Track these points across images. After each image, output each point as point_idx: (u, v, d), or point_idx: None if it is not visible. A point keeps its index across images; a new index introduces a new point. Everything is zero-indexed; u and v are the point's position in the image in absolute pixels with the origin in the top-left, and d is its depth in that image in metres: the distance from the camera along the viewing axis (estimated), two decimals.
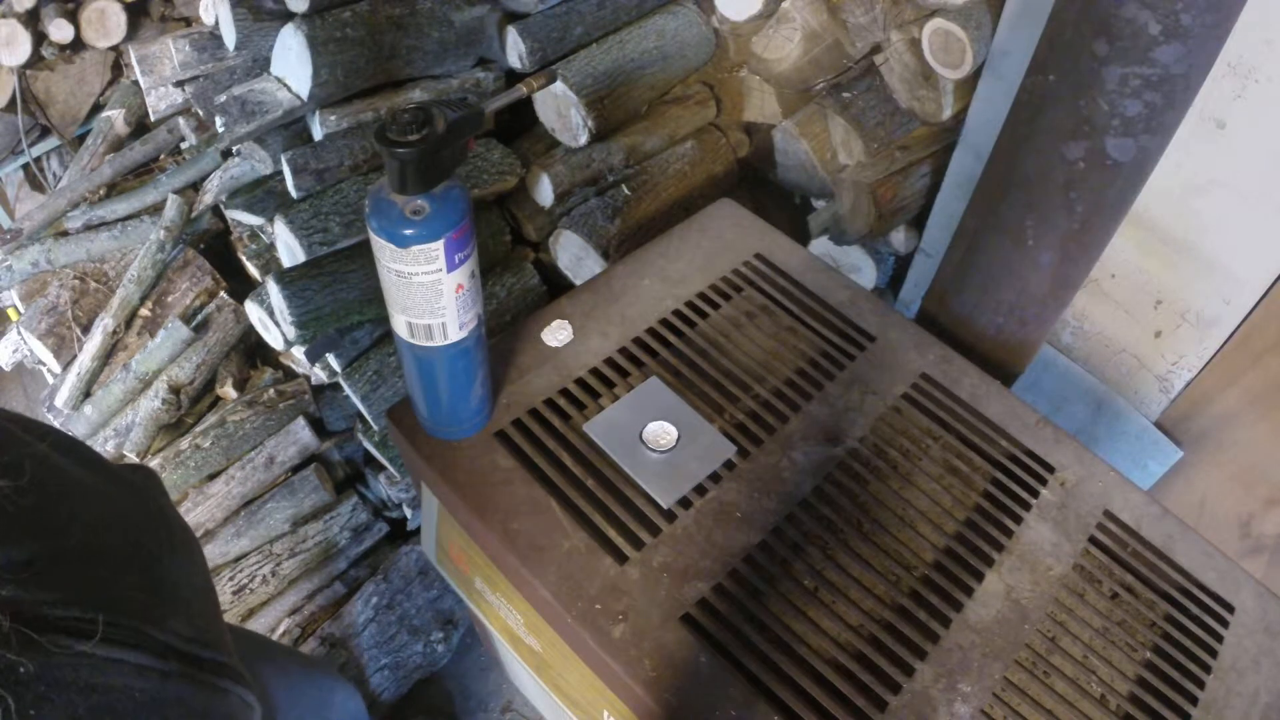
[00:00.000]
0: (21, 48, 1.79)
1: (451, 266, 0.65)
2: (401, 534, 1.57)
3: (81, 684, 0.42)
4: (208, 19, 1.61)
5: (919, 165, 1.42)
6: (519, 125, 1.52)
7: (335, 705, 1.01)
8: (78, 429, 1.52)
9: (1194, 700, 0.74)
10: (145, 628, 0.46)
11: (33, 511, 0.45)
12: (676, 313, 0.94)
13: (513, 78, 1.46)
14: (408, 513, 1.54)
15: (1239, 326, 1.19)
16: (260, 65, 1.39)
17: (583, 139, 1.41)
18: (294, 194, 1.30)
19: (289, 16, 1.28)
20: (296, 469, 1.49)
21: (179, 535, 0.60)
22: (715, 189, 1.56)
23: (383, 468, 1.49)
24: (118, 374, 1.51)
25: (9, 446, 0.49)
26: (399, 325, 0.70)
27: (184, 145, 1.81)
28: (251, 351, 1.62)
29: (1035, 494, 0.84)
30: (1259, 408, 1.23)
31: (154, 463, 1.46)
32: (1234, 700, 0.74)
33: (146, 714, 0.45)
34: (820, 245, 1.56)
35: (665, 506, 0.78)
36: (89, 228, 1.68)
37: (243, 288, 1.55)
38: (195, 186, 1.66)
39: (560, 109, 1.40)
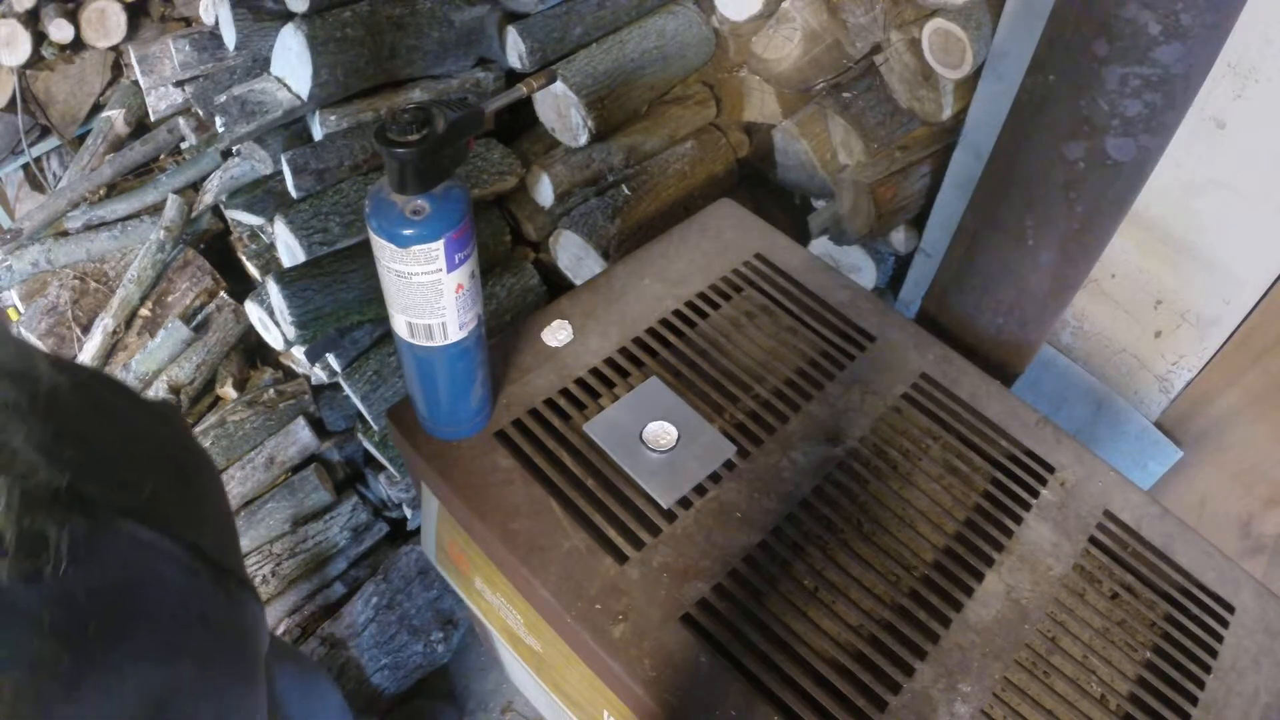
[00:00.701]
0: (21, 48, 1.79)
1: (451, 266, 0.65)
2: (401, 534, 1.57)
3: (120, 557, 0.44)
4: (208, 19, 1.61)
5: (919, 165, 1.42)
6: (519, 125, 1.52)
7: (329, 709, 1.01)
8: None
9: (1194, 700, 0.74)
10: (180, 525, 0.49)
11: (81, 415, 0.47)
12: (676, 313, 0.94)
13: (513, 78, 1.46)
14: (408, 513, 1.54)
15: (1239, 326, 1.19)
16: (260, 65, 1.39)
17: (583, 139, 1.41)
18: (294, 194, 1.30)
19: (289, 16, 1.28)
20: (296, 469, 1.49)
21: (205, 465, 0.62)
22: (715, 189, 1.56)
23: (383, 468, 1.49)
24: (118, 374, 1.51)
25: (61, 356, 0.52)
26: (399, 325, 0.70)
27: (184, 145, 1.81)
28: (251, 351, 1.62)
29: (1035, 494, 0.84)
30: (1259, 408, 1.23)
31: None
32: (1234, 700, 0.74)
33: (173, 602, 0.47)
34: (820, 245, 1.56)
35: (665, 506, 0.78)
36: (89, 228, 1.68)
37: (243, 288, 1.55)
38: (195, 186, 1.66)
39: (560, 109, 1.40)
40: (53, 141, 1.97)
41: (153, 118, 1.79)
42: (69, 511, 0.40)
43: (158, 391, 1.47)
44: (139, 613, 0.44)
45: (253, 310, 1.39)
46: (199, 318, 1.56)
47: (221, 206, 1.52)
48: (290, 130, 1.41)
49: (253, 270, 1.55)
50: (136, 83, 1.82)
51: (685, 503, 0.79)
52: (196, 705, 0.46)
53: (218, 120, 1.35)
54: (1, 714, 0.37)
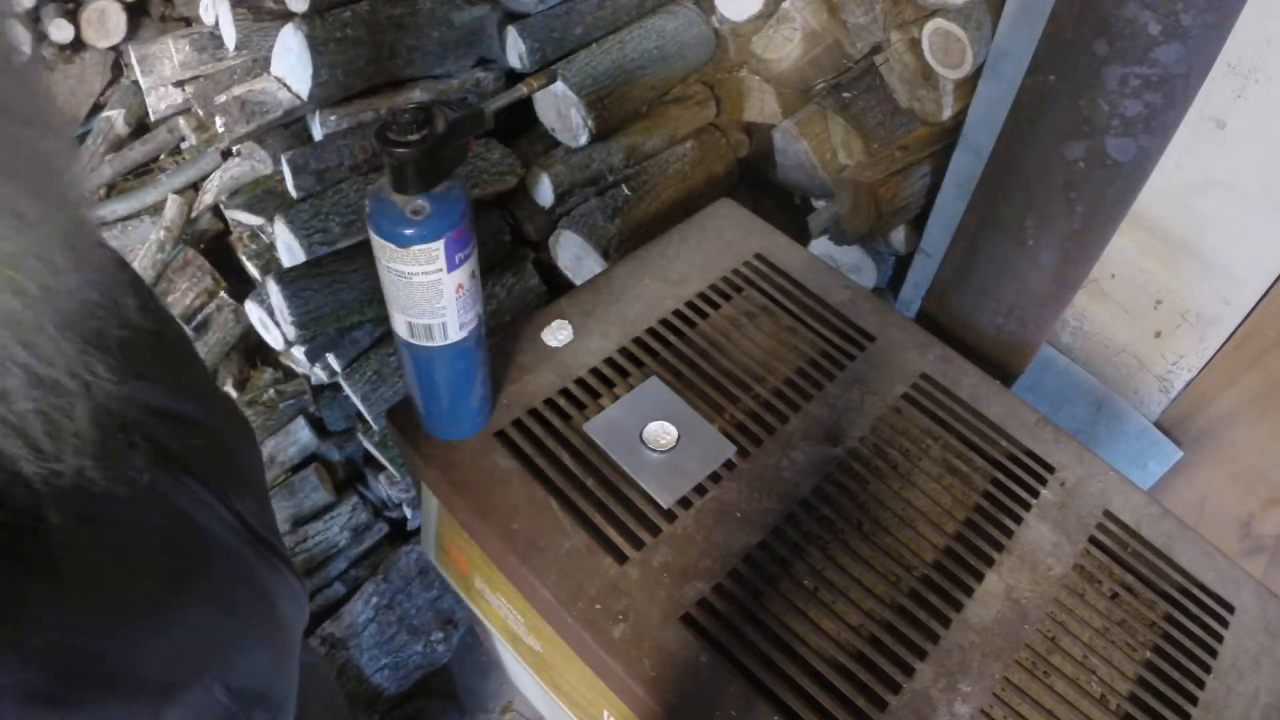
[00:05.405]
0: (21, 48, 1.79)
1: (451, 266, 0.65)
2: (401, 534, 1.57)
3: (185, 507, 0.46)
4: (208, 19, 1.61)
5: (919, 165, 1.42)
6: (519, 125, 1.52)
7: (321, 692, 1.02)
8: None
9: (1194, 700, 0.74)
10: (227, 490, 0.51)
11: (153, 362, 0.48)
12: (676, 313, 0.94)
13: (513, 78, 1.46)
14: (408, 513, 1.54)
15: (1239, 326, 1.19)
16: (260, 65, 1.39)
17: (583, 139, 1.41)
18: (294, 194, 1.30)
19: (289, 16, 1.28)
20: (296, 469, 1.49)
21: (252, 441, 0.63)
22: (715, 189, 1.56)
23: (383, 468, 1.49)
24: None
25: (155, 304, 0.54)
26: (399, 325, 0.70)
27: (184, 145, 1.81)
28: (251, 351, 1.62)
29: (1035, 494, 0.84)
30: (1259, 408, 1.23)
31: None
32: (1234, 700, 0.74)
33: (221, 557, 0.49)
34: (820, 245, 1.56)
35: (665, 506, 0.78)
36: None
37: (243, 288, 1.55)
38: (195, 186, 1.66)
39: (560, 109, 1.40)
40: None
41: (153, 118, 1.78)
42: (135, 450, 0.42)
43: None
44: (196, 560, 0.47)
45: (253, 310, 1.39)
46: (199, 318, 1.56)
47: (221, 206, 1.52)
48: (290, 130, 1.41)
49: (253, 270, 1.55)
50: (136, 83, 1.82)
51: (685, 503, 0.79)
52: (227, 656, 0.47)
53: (218, 120, 1.35)
54: (105, 618, 0.38)
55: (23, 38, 1.77)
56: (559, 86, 1.37)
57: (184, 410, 0.50)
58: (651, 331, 0.92)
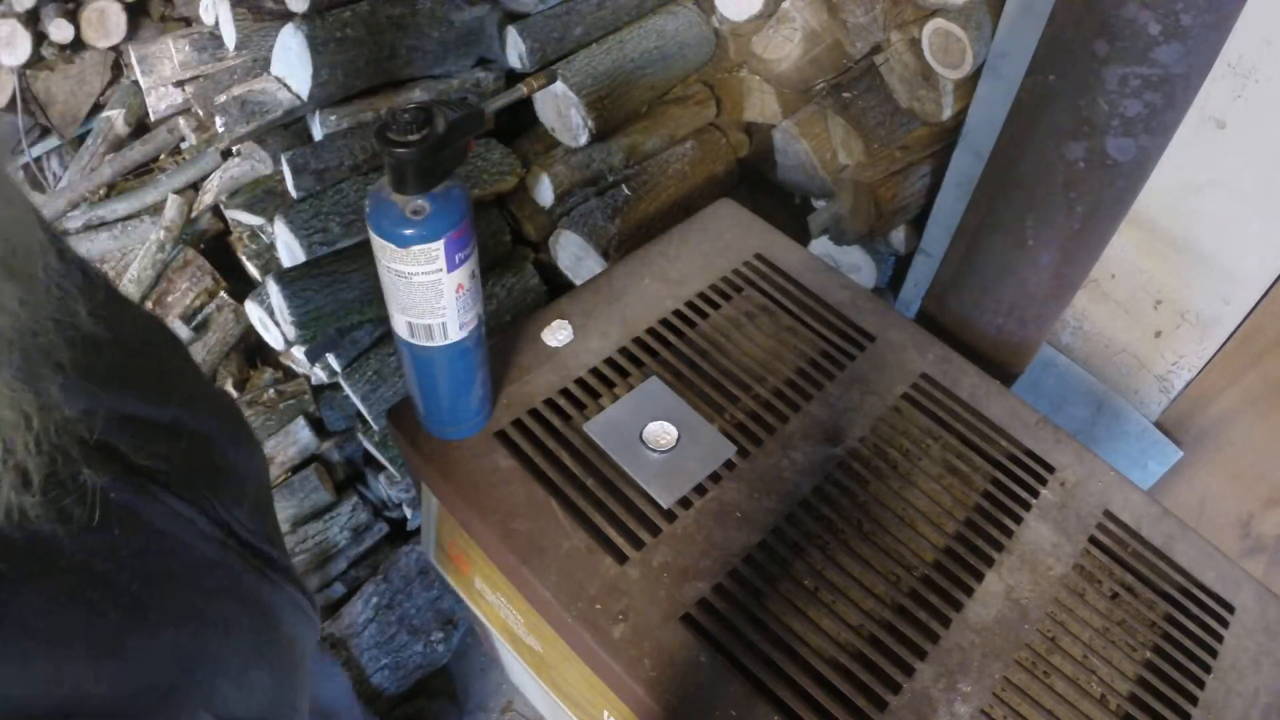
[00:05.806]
0: (21, 48, 1.79)
1: (452, 266, 0.65)
2: (401, 534, 1.57)
3: (158, 524, 0.43)
4: (208, 19, 1.61)
5: (919, 165, 1.42)
6: (519, 125, 1.52)
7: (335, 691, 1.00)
8: None
9: (1194, 700, 0.74)
10: (213, 501, 0.48)
11: (113, 373, 0.45)
12: (676, 313, 0.94)
13: (513, 78, 1.46)
14: (408, 513, 1.54)
15: (1239, 326, 1.19)
16: (260, 65, 1.39)
17: (583, 139, 1.41)
18: (294, 194, 1.30)
19: (289, 16, 1.28)
20: (296, 469, 1.49)
21: (249, 434, 0.61)
22: (715, 189, 1.56)
23: (383, 468, 1.49)
24: None
25: (119, 305, 0.52)
26: (399, 325, 0.70)
27: (184, 145, 1.81)
28: (251, 351, 1.62)
29: (1035, 494, 0.84)
30: (1259, 408, 1.23)
31: None
32: (1234, 700, 0.74)
33: (201, 573, 0.46)
34: (820, 245, 1.56)
35: (665, 506, 0.78)
36: (89, 228, 1.68)
37: (243, 288, 1.55)
38: (195, 186, 1.66)
39: (560, 109, 1.40)
40: (53, 141, 1.96)
41: (153, 118, 1.78)
42: (105, 465, 0.39)
43: None
44: (169, 580, 0.44)
45: (253, 310, 1.39)
46: (199, 318, 1.56)
47: (221, 206, 1.52)
48: (290, 130, 1.41)
49: (253, 270, 1.55)
50: (136, 83, 1.82)
51: (685, 503, 0.79)
52: (215, 679, 0.45)
53: (218, 120, 1.35)
54: (57, 659, 0.36)
55: None
56: (559, 86, 1.37)
57: (156, 416, 0.47)
58: (651, 331, 0.92)
